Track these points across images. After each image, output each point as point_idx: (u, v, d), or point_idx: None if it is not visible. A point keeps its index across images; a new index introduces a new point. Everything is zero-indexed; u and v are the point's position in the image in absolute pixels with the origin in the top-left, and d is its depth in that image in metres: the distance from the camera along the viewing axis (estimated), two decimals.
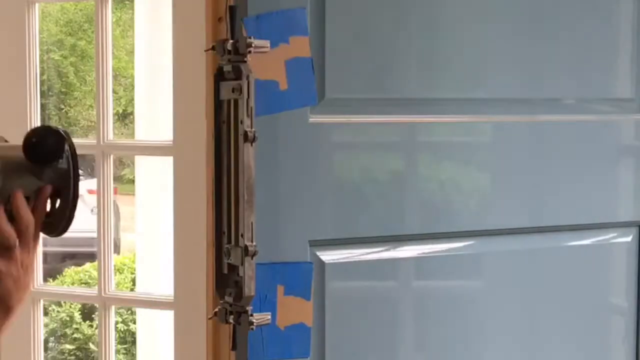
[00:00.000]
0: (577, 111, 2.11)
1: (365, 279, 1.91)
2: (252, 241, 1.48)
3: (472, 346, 2.04)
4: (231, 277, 1.49)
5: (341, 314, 1.87)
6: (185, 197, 2.25)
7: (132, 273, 7.03)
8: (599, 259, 2.15)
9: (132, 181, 7.33)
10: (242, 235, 1.48)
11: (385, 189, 1.91)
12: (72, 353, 7.23)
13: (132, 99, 6.54)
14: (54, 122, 11.96)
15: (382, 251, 1.93)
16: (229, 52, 1.45)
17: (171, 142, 2.48)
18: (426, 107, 1.94)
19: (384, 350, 1.96)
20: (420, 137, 2.00)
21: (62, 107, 12.42)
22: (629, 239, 2.16)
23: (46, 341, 6.94)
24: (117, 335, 6.72)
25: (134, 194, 5.03)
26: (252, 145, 1.45)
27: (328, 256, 1.85)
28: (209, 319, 1.53)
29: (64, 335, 7.23)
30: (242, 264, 1.46)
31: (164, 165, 3.03)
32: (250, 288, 1.44)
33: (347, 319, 1.89)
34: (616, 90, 2.15)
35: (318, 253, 1.83)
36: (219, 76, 1.47)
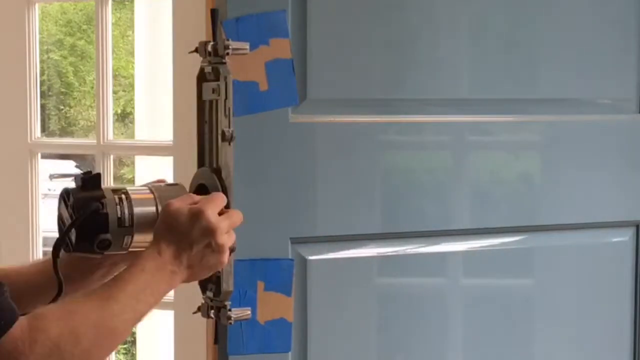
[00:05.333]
0: (576, 111, 2.11)
1: (347, 276, 1.93)
2: None
3: (447, 345, 2.06)
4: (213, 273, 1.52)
5: (324, 310, 1.89)
6: None
7: None
8: (596, 258, 2.15)
9: (132, 181, 7.34)
10: None
11: (365, 187, 1.92)
12: None
13: (132, 99, 6.54)
14: (53, 122, 11.96)
15: (364, 248, 1.95)
16: (209, 53, 1.49)
17: (171, 142, 2.49)
18: (408, 107, 1.96)
19: (366, 346, 1.97)
20: (401, 137, 2.02)
21: (62, 107, 12.42)
22: (626, 238, 2.16)
23: None
24: None
25: None
26: (230, 144, 1.48)
27: (310, 253, 1.87)
28: (193, 313, 1.56)
29: None
30: None
31: (164, 165, 3.03)
32: (228, 283, 1.47)
33: (330, 315, 1.91)
34: (616, 90, 2.16)
35: (300, 250, 1.86)
36: (202, 77, 1.51)
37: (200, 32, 2.03)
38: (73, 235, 1.39)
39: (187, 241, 1.38)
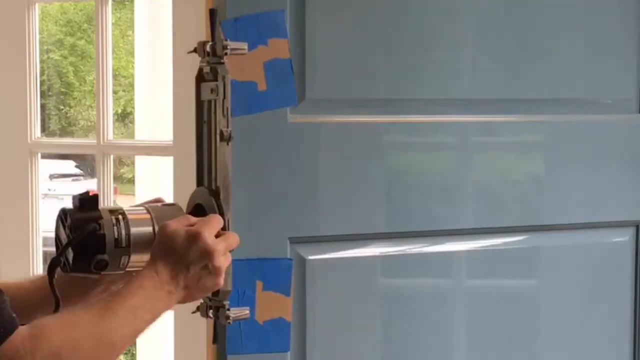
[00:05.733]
0: (577, 111, 2.11)
1: (346, 276, 1.94)
2: None
3: (455, 344, 2.06)
4: None
5: (322, 310, 1.90)
6: (185, 197, 2.26)
7: None
8: (596, 258, 2.15)
9: (132, 181, 7.34)
10: None
11: (364, 187, 1.92)
12: None
13: (132, 99, 6.54)
14: (54, 122, 11.96)
15: (362, 248, 1.95)
16: (208, 54, 1.49)
17: (171, 142, 2.49)
18: (407, 107, 1.96)
19: (366, 346, 1.97)
20: (401, 137, 2.02)
21: (62, 107, 12.42)
22: (626, 238, 2.17)
23: None
24: None
25: (134, 194, 5.03)
26: (228, 144, 1.48)
27: (308, 253, 1.87)
28: (192, 313, 1.56)
29: None
30: None
31: (164, 165, 3.03)
32: (227, 283, 1.47)
33: (328, 315, 1.91)
34: (616, 90, 2.16)
35: (298, 250, 1.86)
36: (200, 77, 1.51)
37: (200, 32, 2.03)
38: (70, 255, 1.40)
39: (184, 263, 1.39)
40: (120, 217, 1.42)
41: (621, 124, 2.16)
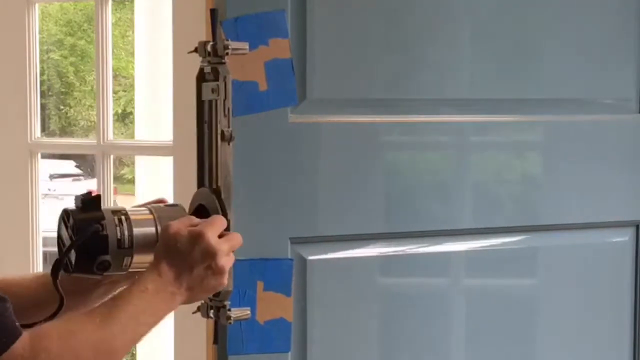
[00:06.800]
0: (576, 111, 2.11)
1: (346, 276, 1.94)
2: None
3: (455, 344, 2.06)
4: None
5: (323, 310, 1.90)
6: (185, 197, 2.26)
7: None
8: (596, 258, 2.15)
9: (132, 181, 7.34)
10: None
11: (365, 187, 1.92)
12: None
13: (132, 99, 6.54)
14: (54, 122, 11.96)
15: (363, 248, 1.95)
16: (209, 54, 1.49)
17: (171, 142, 2.49)
18: (408, 107, 1.96)
19: (366, 346, 1.98)
20: (401, 137, 2.02)
21: (62, 107, 12.42)
22: (626, 238, 2.17)
23: None
24: None
25: (134, 194, 5.02)
26: (229, 144, 1.49)
27: (309, 253, 1.87)
28: (193, 313, 1.56)
29: None
30: None
31: (164, 165, 3.03)
32: (228, 283, 1.47)
33: (329, 315, 1.91)
34: (616, 90, 2.16)
35: (299, 250, 1.86)
36: (201, 77, 1.51)
37: (200, 32, 2.03)
38: (72, 256, 1.40)
39: (188, 264, 1.39)
40: (123, 217, 1.41)
41: (621, 124, 2.16)
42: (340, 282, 1.93)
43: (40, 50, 2.87)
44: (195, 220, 1.44)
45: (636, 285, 2.17)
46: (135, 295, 1.36)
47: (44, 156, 2.80)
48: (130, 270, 1.44)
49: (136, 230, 1.42)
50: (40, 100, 2.74)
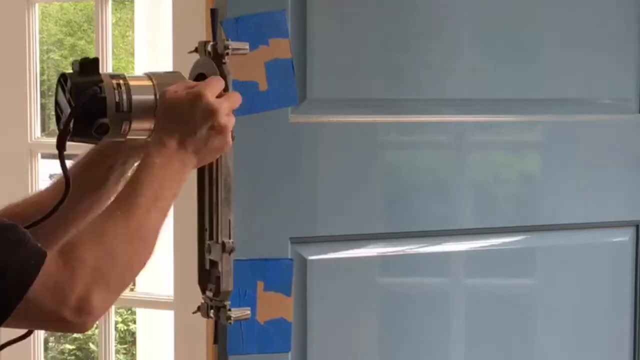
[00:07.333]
0: (576, 111, 2.11)
1: (347, 276, 1.93)
2: (229, 238, 1.52)
3: (455, 344, 2.06)
4: (212, 273, 1.54)
5: (324, 310, 1.89)
6: (186, 197, 2.26)
7: None
8: (596, 258, 2.15)
9: None
10: (221, 232, 1.51)
11: (365, 187, 1.92)
12: (72, 353, 7.23)
13: None
14: (54, 122, 11.95)
15: (364, 248, 1.95)
16: (209, 54, 1.49)
17: None
18: (408, 107, 1.96)
19: (366, 346, 1.98)
20: (402, 137, 2.02)
21: None
22: (626, 238, 2.17)
23: (46, 341, 6.95)
24: (117, 335, 6.73)
25: None
26: None
27: (310, 253, 1.87)
28: (193, 313, 1.56)
29: (64, 335, 7.23)
30: (221, 260, 1.50)
31: None
32: (227, 283, 1.48)
33: (330, 315, 1.91)
34: (616, 90, 2.16)
35: (299, 250, 1.86)
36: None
37: (200, 32, 2.03)
38: (71, 121, 1.38)
39: (189, 127, 1.38)
40: (121, 81, 1.40)
41: (621, 124, 2.16)
42: (341, 282, 1.93)
43: (40, 50, 2.87)
44: (193, 83, 1.43)
45: (636, 285, 2.17)
46: (146, 173, 1.35)
47: (44, 156, 2.80)
48: (128, 137, 1.42)
49: (135, 95, 1.40)
50: (40, 100, 2.74)
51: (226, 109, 1.41)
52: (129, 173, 1.48)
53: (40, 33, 2.70)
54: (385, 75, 1.95)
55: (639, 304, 2.18)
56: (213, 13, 1.52)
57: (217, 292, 1.49)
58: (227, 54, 1.49)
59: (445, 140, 2.06)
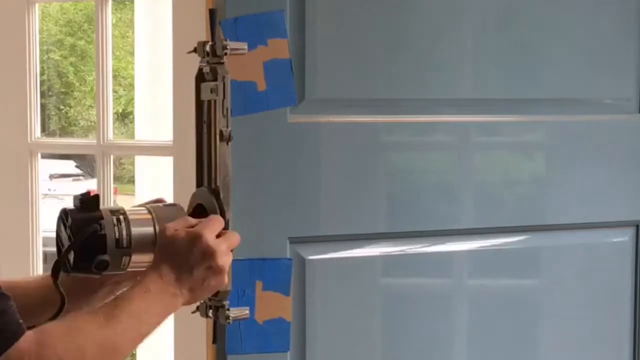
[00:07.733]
0: (577, 111, 2.11)
1: (345, 276, 1.93)
2: None
3: (456, 344, 2.06)
4: None
5: (322, 310, 1.90)
6: (185, 197, 2.26)
7: None
8: (596, 258, 2.15)
9: (132, 181, 7.34)
10: None
11: (364, 187, 1.92)
12: None
13: (132, 99, 6.54)
14: (54, 122, 11.97)
15: (362, 248, 1.95)
16: (208, 54, 1.49)
17: (171, 142, 2.49)
18: (407, 107, 1.96)
19: (365, 346, 1.97)
20: (400, 137, 2.02)
21: (62, 107, 12.43)
22: (626, 238, 2.17)
23: None
24: None
25: (134, 194, 5.02)
26: (227, 144, 1.49)
27: (308, 253, 1.87)
28: (192, 313, 1.56)
29: None
30: None
31: (164, 165, 3.03)
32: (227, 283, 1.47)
33: (328, 315, 1.91)
34: (616, 90, 2.16)
35: (298, 250, 1.86)
36: (200, 77, 1.51)
37: (200, 32, 2.03)
38: (71, 256, 1.40)
39: (187, 265, 1.40)
40: (121, 217, 1.42)
41: (621, 124, 2.16)
42: (339, 282, 1.93)
43: (40, 50, 2.88)
44: (193, 220, 1.44)
45: (636, 285, 2.17)
46: (138, 296, 1.37)
47: (44, 156, 2.80)
48: (129, 269, 1.44)
49: (134, 230, 1.42)
50: (40, 100, 2.74)
51: (224, 249, 1.42)
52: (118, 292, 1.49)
53: (40, 33, 2.70)
54: (384, 75, 1.95)
55: (639, 304, 2.18)
56: (212, 13, 1.52)
57: (215, 292, 1.49)
58: (226, 54, 1.49)
59: (445, 140, 2.06)
